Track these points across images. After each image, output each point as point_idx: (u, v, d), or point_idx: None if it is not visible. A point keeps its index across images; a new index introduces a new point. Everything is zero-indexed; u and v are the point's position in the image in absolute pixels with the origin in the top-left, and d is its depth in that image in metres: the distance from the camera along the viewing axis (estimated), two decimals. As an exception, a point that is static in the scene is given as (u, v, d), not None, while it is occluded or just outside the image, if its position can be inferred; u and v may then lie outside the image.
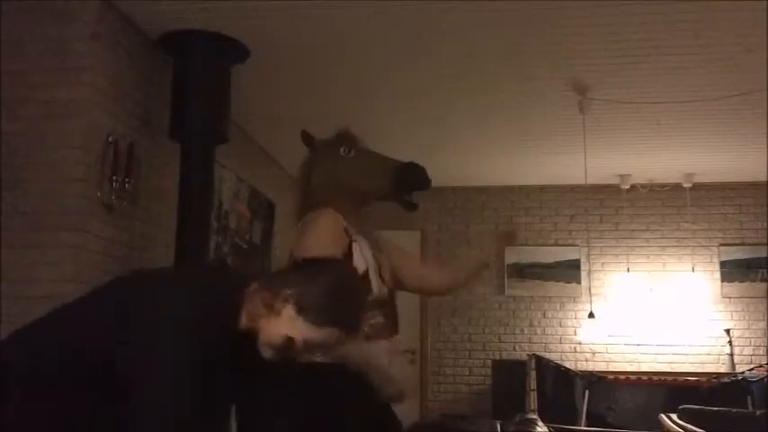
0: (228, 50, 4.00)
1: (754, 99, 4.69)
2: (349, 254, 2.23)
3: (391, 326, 2.34)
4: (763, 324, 6.78)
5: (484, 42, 4.05)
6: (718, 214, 7.02)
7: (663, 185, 6.97)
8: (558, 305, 7.08)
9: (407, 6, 3.62)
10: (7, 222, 3.29)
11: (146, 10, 3.66)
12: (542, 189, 7.26)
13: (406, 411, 2.20)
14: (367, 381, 2.17)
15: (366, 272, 2.25)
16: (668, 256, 7.02)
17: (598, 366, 6.72)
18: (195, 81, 3.93)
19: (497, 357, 6.94)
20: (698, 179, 6.75)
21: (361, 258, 2.26)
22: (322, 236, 2.23)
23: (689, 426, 3.82)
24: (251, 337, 1.62)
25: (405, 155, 2.61)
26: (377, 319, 2.29)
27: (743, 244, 6.93)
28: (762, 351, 6.72)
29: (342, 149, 2.41)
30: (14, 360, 1.62)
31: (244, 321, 1.63)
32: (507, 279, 7.15)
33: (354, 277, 1.94)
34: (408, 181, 2.41)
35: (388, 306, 2.32)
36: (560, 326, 7.05)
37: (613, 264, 7.06)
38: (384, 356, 2.26)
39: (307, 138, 2.51)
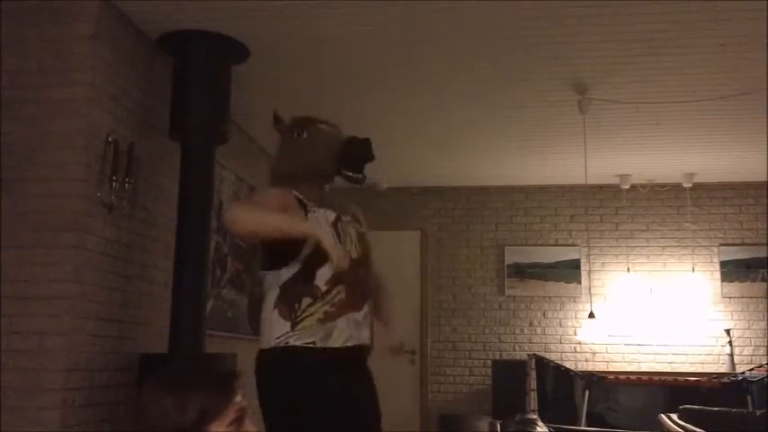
0: (228, 50, 4.01)
1: (754, 99, 4.70)
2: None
3: (358, 298, 2.37)
4: (763, 324, 6.78)
5: (484, 42, 4.06)
6: (718, 214, 7.02)
7: (663, 185, 6.97)
8: (558, 305, 7.08)
9: (408, 7, 3.62)
10: (7, 222, 3.29)
11: (146, 10, 3.66)
12: (542, 189, 7.26)
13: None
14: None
15: (320, 242, 2.26)
16: (668, 256, 7.01)
17: (598, 366, 6.72)
18: (195, 81, 3.93)
19: (497, 357, 6.93)
20: (698, 179, 6.74)
21: (317, 228, 2.31)
22: (267, 198, 2.39)
23: (689, 426, 3.81)
24: None
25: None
26: (339, 296, 2.33)
27: (743, 244, 6.93)
28: (762, 351, 6.72)
29: (295, 133, 2.48)
30: None
31: None
32: (507, 279, 7.15)
33: None
34: (349, 155, 2.44)
35: (350, 278, 2.33)
36: (560, 326, 7.05)
37: (613, 264, 7.06)
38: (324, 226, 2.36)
39: (276, 120, 2.59)
